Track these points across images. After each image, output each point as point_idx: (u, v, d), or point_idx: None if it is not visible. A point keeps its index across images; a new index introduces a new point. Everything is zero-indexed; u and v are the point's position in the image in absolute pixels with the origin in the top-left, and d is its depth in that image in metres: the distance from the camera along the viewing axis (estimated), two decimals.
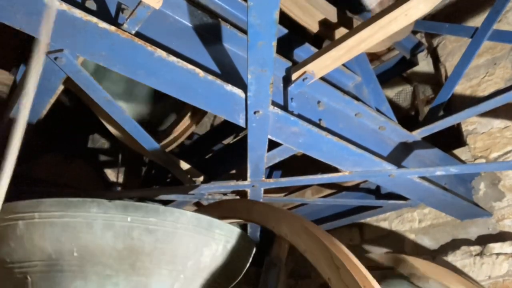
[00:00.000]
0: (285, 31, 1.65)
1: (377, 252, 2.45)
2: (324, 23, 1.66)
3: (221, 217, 1.30)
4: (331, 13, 1.63)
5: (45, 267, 0.99)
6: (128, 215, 0.96)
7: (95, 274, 0.98)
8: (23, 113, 0.60)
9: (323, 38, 1.78)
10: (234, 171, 2.24)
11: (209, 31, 1.35)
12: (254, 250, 1.33)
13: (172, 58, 1.07)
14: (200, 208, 1.37)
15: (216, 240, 1.11)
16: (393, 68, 2.70)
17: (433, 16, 2.66)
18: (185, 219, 1.04)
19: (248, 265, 1.32)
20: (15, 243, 0.98)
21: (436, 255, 2.20)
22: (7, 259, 1.01)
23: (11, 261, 1.01)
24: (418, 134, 1.78)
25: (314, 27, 1.66)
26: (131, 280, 1.00)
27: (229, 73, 1.33)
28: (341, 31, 1.69)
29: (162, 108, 2.30)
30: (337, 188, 2.42)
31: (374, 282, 0.97)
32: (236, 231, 1.18)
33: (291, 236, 1.18)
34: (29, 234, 0.96)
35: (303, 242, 1.13)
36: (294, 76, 1.40)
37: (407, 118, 2.95)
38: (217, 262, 1.13)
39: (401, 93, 3.09)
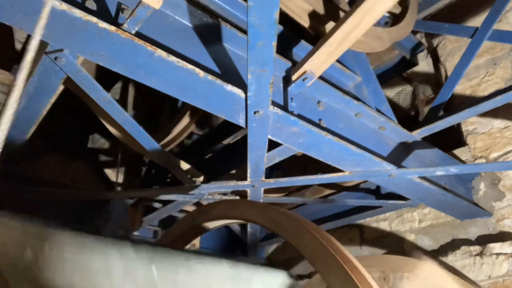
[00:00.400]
0: (285, 31, 1.65)
1: (377, 252, 2.45)
2: (313, 16, 1.64)
3: (261, 224, 1.18)
4: (318, 3, 1.60)
5: None
6: (153, 267, 0.83)
7: None
8: (9, 110, 0.58)
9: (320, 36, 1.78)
10: (234, 171, 2.24)
11: (209, 31, 1.35)
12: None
13: (172, 58, 1.07)
14: (234, 204, 1.19)
15: None
16: (393, 68, 2.70)
17: (433, 16, 2.66)
18: (222, 275, 0.88)
19: None
20: (25, 273, 0.83)
21: (436, 255, 2.20)
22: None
23: None
24: (418, 134, 1.78)
25: (305, 21, 1.64)
26: None
27: (229, 73, 1.33)
28: (330, 26, 1.67)
29: None
30: (337, 188, 2.42)
31: None
32: (279, 278, 1.00)
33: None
34: (37, 265, 0.83)
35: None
36: (294, 76, 1.40)
37: (407, 118, 2.95)
38: None
39: (401, 93, 3.09)
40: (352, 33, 1.25)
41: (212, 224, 1.48)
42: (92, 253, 0.84)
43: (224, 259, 0.91)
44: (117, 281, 0.82)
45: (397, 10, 1.98)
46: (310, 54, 1.34)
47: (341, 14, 1.65)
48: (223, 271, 0.89)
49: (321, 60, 1.33)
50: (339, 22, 1.26)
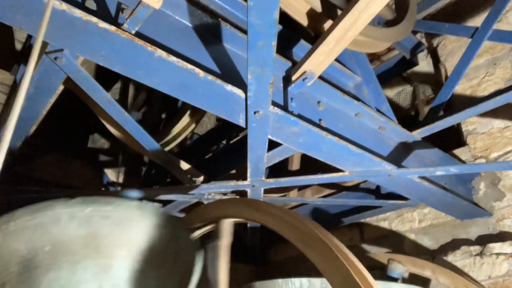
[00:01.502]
0: (285, 31, 1.65)
1: (377, 252, 2.45)
2: (311, 15, 1.63)
3: (264, 224, 1.21)
4: (317, 3, 1.60)
5: (21, 269, 1.08)
6: (87, 207, 1.12)
7: (66, 262, 1.10)
8: (16, 109, 0.59)
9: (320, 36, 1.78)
10: (234, 171, 2.24)
11: (209, 31, 1.35)
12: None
13: (172, 58, 1.07)
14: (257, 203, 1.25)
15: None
16: (393, 68, 2.70)
17: (433, 16, 2.66)
18: (131, 205, 1.21)
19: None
20: None
21: (436, 255, 2.20)
22: None
23: None
24: (418, 134, 1.78)
25: (303, 20, 1.64)
26: (98, 263, 1.14)
27: (229, 73, 1.33)
28: (328, 25, 1.67)
29: None
30: (337, 188, 2.42)
31: None
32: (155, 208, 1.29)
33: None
34: (5, 243, 1.06)
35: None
36: (294, 76, 1.40)
37: (407, 118, 2.96)
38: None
39: (401, 93, 3.09)
40: (349, 31, 1.25)
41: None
42: (44, 212, 1.07)
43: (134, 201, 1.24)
44: (64, 224, 1.08)
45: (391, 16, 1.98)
46: (309, 54, 1.33)
47: (339, 12, 1.65)
48: (131, 203, 1.21)
49: (320, 60, 1.33)
50: (336, 20, 1.26)
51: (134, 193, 1.59)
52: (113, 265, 1.16)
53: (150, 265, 1.23)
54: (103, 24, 0.96)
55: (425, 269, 1.97)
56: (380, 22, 1.97)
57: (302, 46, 1.69)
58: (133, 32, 1.04)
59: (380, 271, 2.03)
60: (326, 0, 1.62)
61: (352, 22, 1.22)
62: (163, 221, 1.27)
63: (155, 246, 1.24)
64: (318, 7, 1.60)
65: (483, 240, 2.05)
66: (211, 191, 2.02)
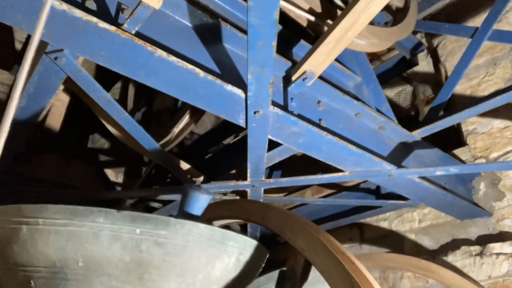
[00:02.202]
0: (285, 31, 1.65)
1: (377, 252, 2.45)
2: (312, 15, 1.63)
3: (231, 216, 1.25)
4: (316, 2, 1.60)
5: (49, 274, 0.96)
6: (137, 227, 0.92)
7: (100, 285, 0.95)
8: (10, 109, 0.58)
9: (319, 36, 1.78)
10: (234, 171, 2.24)
11: (209, 31, 1.35)
12: (267, 256, 1.28)
13: (172, 58, 1.07)
14: (209, 205, 1.30)
15: (229, 253, 1.06)
16: (393, 68, 2.70)
17: (433, 16, 2.66)
18: (197, 232, 0.99)
19: (258, 273, 1.28)
20: (18, 248, 0.95)
21: (436, 255, 2.20)
22: (10, 261, 0.99)
23: (14, 263, 0.98)
24: (418, 134, 1.78)
25: (304, 20, 1.64)
26: None
27: (229, 73, 1.33)
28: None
29: None
30: (337, 188, 2.42)
31: None
32: (250, 242, 1.12)
33: (308, 252, 1.08)
34: (33, 240, 0.93)
35: (321, 261, 1.02)
36: (294, 76, 1.40)
37: (407, 118, 2.95)
38: (229, 274, 1.08)
39: (401, 93, 3.09)
40: (349, 31, 1.25)
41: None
42: (81, 220, 0.91)
43: (201, 223, 1.01)
44: (104, 243, 0.91)
45: (400, 4, 1.97)
46: (309, 54, 1.33)
47: (339, 12, 1.65)
48: (199, 231, 0.99)
49: (320, 60, 1.33)
50: (336, 20, 1.26)
51: (201, 193, 1.26)
52: None
53: None
54: (103, 24, 0.96)
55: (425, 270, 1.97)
56: (380, 22, 1.97)
57: (302, 46, 1.69)
58: (133, 32, 1.04)
59: None
60: (326, 0, 1.63)
61: (352, 22, 1.22)
62: (243, 250, 1.08)
63: (218, 278, 1.05)
64: (318, 8, 1.60)
65: (483, 240, 2.05)
66: (211, 191, 2.02)
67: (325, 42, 1.27)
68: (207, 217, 1.34)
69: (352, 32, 1.25)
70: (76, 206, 0.93)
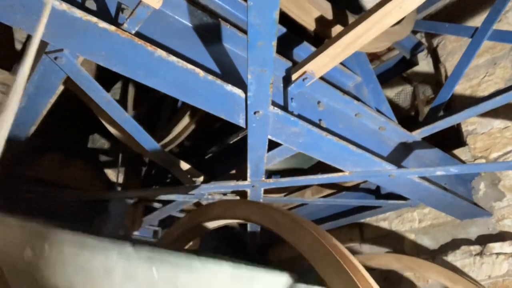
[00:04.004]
0: (285, 30, 1.65)
1: (377, 252, 2.45)
2: (320, 21, 1.65)
3: (259, 222, 1.16)
4: (327, 10, 1.62)
5: None
6: (153, 267, 0.81)
7: None
8: (11, 109, 0.58)
9: (323, 38, 1.78)
10: (234, 171, 2.24)
11: (209, 31, 1.35)
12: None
13: (172, 58, 1.07)
14: (237, 203, 1.19)
15: None
16: (393, 68, 2.70)
17: (433, 16, 2.66)
18: (222, 275, 0.87)
19: None
20: (23, 265, 0.85)
21: (436, 255, 2.20)
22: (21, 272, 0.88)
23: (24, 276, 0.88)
24: (418, 134, 1.78)
25: (311, 25, 1.66)
26: None
27: (229, 73, 1.33)
28: (337, 29, 1.69)
29: None
30: (337, 188, 2.42)
31: None
32: (279, 284, 0.98)
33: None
34: (38, 266, 0.83)
35: None
36: (294, 76, 1.40)
37: (407, 118, 2.96)
38: None
39: (401, 93, 3.09)
40: (360, 39, 1.26)
41: (212, 225, 1.48)
42: (92, 253, 0.82)
43: (225, 260, 0.90)
44: (117, 282, 0.81)
45: None
46: (314, 55, 1.34)
47: (339, 13, 1.65)
48: (223, 271, 0.88)
49: (325, 62, 1.34)
50: (349, 26, 1.27)
51: None
52: None
53: None
54: (103, 24, 0.96)
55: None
56: None
57: (303, 46, 1.69)
58: (133, 32, 1.04)
59: None
60: (326, 0, 1.63)
61: (366, 30, 1.24)
62: None
63: None
64: (318, 8, 1.61)
65: (483, 240, 2.05)
66: (211, 191, 2.02)
67: (334, 45, 1.28)
68: (234, 215, 1.25)
69: (362, 40, 1.27)
70: (87, 236, 0.83)
